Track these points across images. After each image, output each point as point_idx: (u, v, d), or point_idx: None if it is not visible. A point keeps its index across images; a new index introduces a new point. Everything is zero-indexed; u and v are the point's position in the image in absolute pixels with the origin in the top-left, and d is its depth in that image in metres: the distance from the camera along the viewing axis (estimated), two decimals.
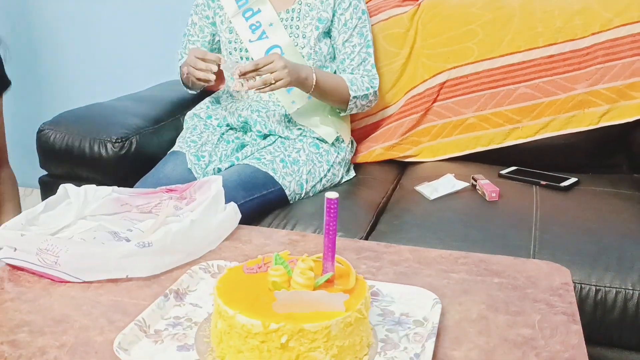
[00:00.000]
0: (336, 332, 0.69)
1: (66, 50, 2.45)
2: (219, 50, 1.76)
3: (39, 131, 1.64)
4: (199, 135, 1.61)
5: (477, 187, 1.51)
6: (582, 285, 1.22)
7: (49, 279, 0.94)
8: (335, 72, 1.66)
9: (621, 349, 1.25)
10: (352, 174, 1.69)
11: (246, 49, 1.62)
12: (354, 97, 1.59)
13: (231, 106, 1.65)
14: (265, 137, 1.61)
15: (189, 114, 1.71)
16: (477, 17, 1.73)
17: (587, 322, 0.92)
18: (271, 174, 1.47)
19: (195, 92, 1.78)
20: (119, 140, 1.57)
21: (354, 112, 1.66)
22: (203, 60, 1.45)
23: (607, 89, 1.65)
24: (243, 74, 1.42)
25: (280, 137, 1.60)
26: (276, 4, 1.62)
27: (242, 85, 1.44)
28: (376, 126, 1.81)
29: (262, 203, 1.43)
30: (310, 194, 1.54)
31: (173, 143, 1.66)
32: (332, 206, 0.77)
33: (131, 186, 1.39)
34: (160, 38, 2.30)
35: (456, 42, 1.74)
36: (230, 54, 1.65)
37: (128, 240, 1.03)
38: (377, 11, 1.80)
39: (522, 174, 1.63)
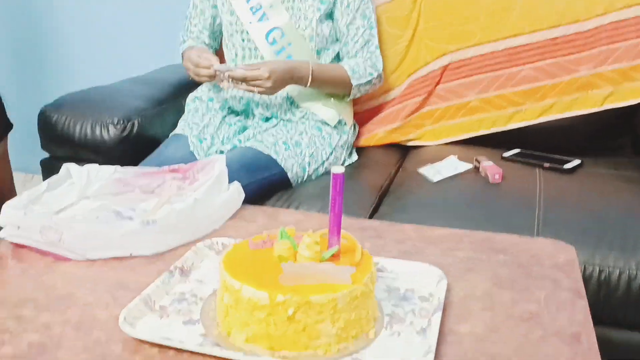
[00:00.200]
0: (343, 305, 0.69)
1: (68, 32, 2.44)
2: (220, 34, 1.75)
3: (41, 113, 1.63)
4: (200, 117, 1.60)
5: (480, 169, 1.50)
6: (586, 265, 1.22)
7: (52, 256, 0.94)
8: (338, 55, 1.65)
9: (625, 329, 1.25)
10: (355, 157, 1.68)
11: (247, 31, 1.61)
12: (357, 84, 1.59)
13: (232, 89, 1.64)
14: (267, 119, 1.60)
15: (191, 96, 1.70)
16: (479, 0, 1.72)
17: (591, 303, 0.92)
18: (274, 156, 1.46)
19: None
20: (121, 122, 1.57)
21: (358, 97, 1.65)
22: (199, 66, 1.46)
23: (611, 71, 1.64)
24: (232, 79, 1.43)
25: (282, 119, 1.59)
26: None
27: (230, 84, 1.45)
28: (379, 109, 1.80)
29: (264, 185, 1.43)
30: (313, 177, 1.53)
31: (175, 125, 1.65)
32: (337, 181, 0.76)
33: None
34: (162, 21, 2.28)
35: (459, 25, 1.73)
36: (232, 35, 1.64)
37: (131, 219, 1.03)
38: None
39: (525, 157, 1.62)
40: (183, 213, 0.97)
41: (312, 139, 1.55)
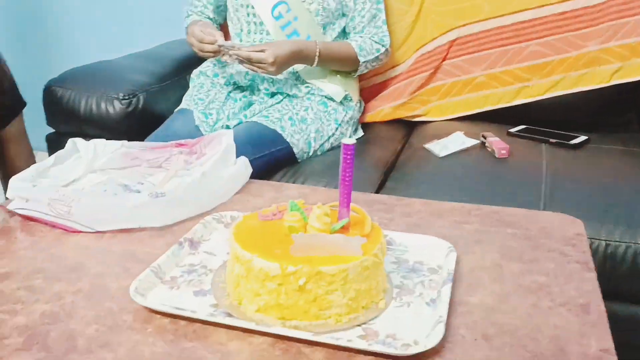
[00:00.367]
0: (353, 276, 0.70)
1: (72, 7, 2.42)
2: (225, 8, 1.73)
3: (46, 88, 1.63)
4: (206, 93, 1.59)
5: (487, 144, 1.50)
6: (592, 240, 1.22)
7: (61, 228, 0.94)
8: (344, 29, 1.63)
9: (630, 303, 1.25)
10: (360, 133, 1.68)
11: (252, 5, 1.59)
12: (364, 61, 1.58)
13: (237, 64, 1.63)
14: (272, 95, 1.59)
15: (195, 71, 1.69)
16: None
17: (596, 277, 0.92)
18: (279, 131, 1.46)
19: None
20: (126, 97, 1.56)
21: (364, 72, 1.65)
22: (203, 41, 1.47)
23: (620, 46, 1.62)
24: (236, 58, 1.42)
25: (288, 95, 1.58)
26: None
27: (234, 60, 1.45)
28: (385, 85, 1.79)
29: (270, 161, 1.42)
30: (318, 153, 1.53)
31: (179, 101, 1.64)
32: (348, 152, 0.76)
33: None
34: None
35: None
36: (237, 10, 1.62)
37: (139, 193, 1.03)
38: None
39: (531, 132, 1.62)
40: (191, 186, 0.97)
41: (317, 114, 1.54)
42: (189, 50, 1.79)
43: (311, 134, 1.51)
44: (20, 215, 0.98)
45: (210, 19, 1.74)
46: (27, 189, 0.98)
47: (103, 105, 1.56)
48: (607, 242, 1.22)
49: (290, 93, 1.58)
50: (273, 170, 1.43)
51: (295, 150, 1.47)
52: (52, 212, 0.94)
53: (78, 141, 1.17)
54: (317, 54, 1.50)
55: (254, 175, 1.16)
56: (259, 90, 1.60)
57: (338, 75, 1.62)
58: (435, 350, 0.66)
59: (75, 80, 1.63)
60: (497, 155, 1.46)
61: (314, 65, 1.52)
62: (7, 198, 1.01)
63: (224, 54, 1.46)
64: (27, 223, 0.97)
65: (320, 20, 1.58)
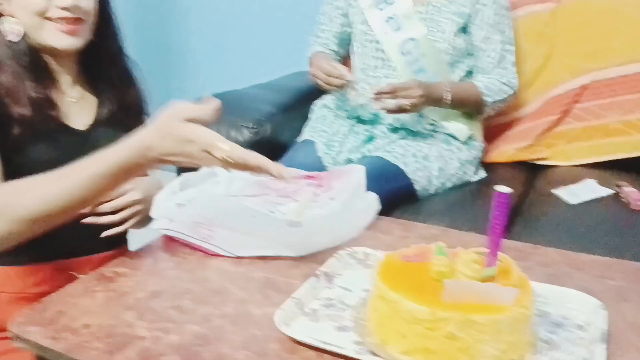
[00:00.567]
0: (505, 327, 0.67)
1: (199, 39, 2.56)
2: (349, 41, 1.77)
3: None
4: (328, 125, 1.63)
5: (621, 194, 1.42)
6: None
7: (201, 251, 0.98)
8: (472, 70, 1.62)
9: None
10: (483, 173, 1.64)
11: (379, 41, 1.62)
12: (491, 103, 1.56)
13: (361, 98, 1.65)
14: (395, 130, 1.60)
15: (318, 103, 1.74)
16: (624, 14, 1.63)
17: None
18: (402, 167, 1.46)
19: None
20: (255, 126, 1.62)
21: (490, 114, 1.62)
22: (331, 75, 1.50)
23: None
24: (378, 94, 1.43)
25: (411, 131, 1.58)
26: None
27: (357, 94, 1.46)
28: (509, 126, 1.75)
29: (391, 197, 1.42)
30: (439, 191, 1.52)
31: (300, 131, 1.69)
32: (502, 200, 0.74)
33: None
34: (290, 27, 2.33)
35: (601, 41, 1.65)
36: (363, 45, 1.65)
37: (276, 221, 1.06)
38: (516, 7, 1.74)
39: None
40: (328, 219, 0.99)
41: (440, 152, 1.53)
42: (309, 82, 1.85)
43: (433, 172, 1.50)
44: (163, 235, 1.03)
45: (334, 52, 1.79)
46: (171, 210, 1.03)
47: (232, 133, 1.63)
48: None
49: (414, 129, 1.58)
50: (393, 206, 1.43)
51: (416, 187, 1.47)
52: (195, 235, 0.99)
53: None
54: (446, 96, 1.49)
55: None
56: (381, 124, 1.61)
57: (463, 114, 1.61)
58: None
59: None
60: (632, 207, 1.38)
61: (446, 104, 1.51)
62: None
63: (350, 89, 1.49)
64: (170, 243, 1.02)
65: (449, 59, 1.57)
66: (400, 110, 1.44)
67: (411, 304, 0.69)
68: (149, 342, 0.73)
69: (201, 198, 1.07)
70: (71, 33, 1.00)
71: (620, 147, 1.64)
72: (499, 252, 0.77)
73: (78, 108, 1.09)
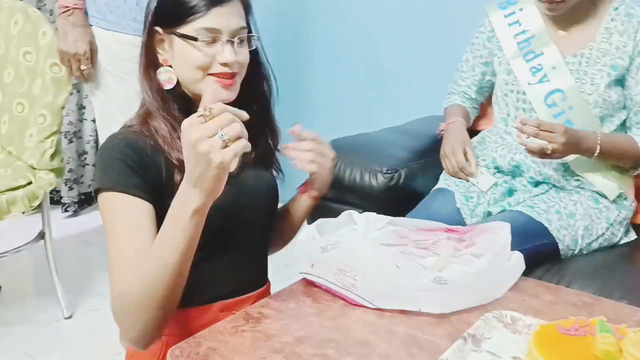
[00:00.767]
0: None
1: (329, 78, 2.61)
2: (488, 89, 1.74)
3: None
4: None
5: None
6: None
7: (342, 299, 0.99)
8: (623, 122, 1.52)
9: None
10: (633, 235, 1.52)
11: (524, 91, 1.57)
12: None
13: (501, 148, 1.60)
14: (537, 184, 1.53)
15: None
16: None
17: None
18: (545, 224, 1.39)
19: None
20: (389, 172, 1.63)
21: None
22: (463, 170, 1.54)
23: None
24: (523, 124, 1.38)
25: (555, 186, 1.51)
26: (563, 47, 1.54)
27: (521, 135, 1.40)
28: None
29: (532, 255, 1.35)
30: (584, 251, 1.42)
31: (436, 179, 1.66)
32: None
33: None
34: (427, 71, 2.32)
35: None
36: (506, 95, 1.61)
37: (417, 274, 1.04)
38: None
39: None
40: (476, 277, 0.96)
41: (587, 210, 1.45)
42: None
43: (579, 231, 1.41)
44: (304, 279, 1.05)
45: (472, 99, 1.76)
46: (315, 254, 1.04)
47: (367, 177, 1.64)
48: None
49: (558, 184, 1.50)
50: (534, 264, 1.36)
51: (560, 246, 1.39)
52: (338, 283, 0.99)
53: (354, 213, 1.23)
54: (598, 146, 1.41)
55: None
56: (522, 177, 1.55)
57: (612, 171, 1.51)
58: None
59: (341, 150, 1.73)
60: None
61: (594, 156, 1.43)
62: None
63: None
64: (310, 288, 1.03)
65: (599, 112, 1.49)
66: (541, 153, 1.37)
67: None
68: None
69: (345, 244, 1.08)
70: (228, 86, 1.04)
71: None
72: None
73: None
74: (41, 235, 2.07)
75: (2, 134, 2.09)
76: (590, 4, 1.52)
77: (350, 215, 1.23)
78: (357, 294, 0.97)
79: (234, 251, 1.08)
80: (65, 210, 2.87)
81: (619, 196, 1.49)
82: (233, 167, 0.86)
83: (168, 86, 1.05)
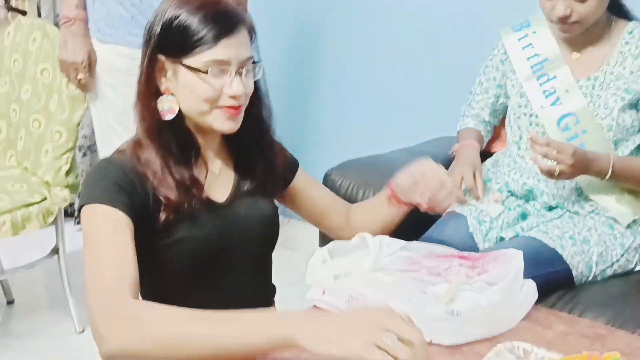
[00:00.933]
0: None
1: (347, 101, 2.60)
2: (502, 112, 1.74)
3: (326, 175, 1.77)
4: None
5: None
6: None
7: None
8: (638, 146, 1.51)
9: None
10: None
11: (536, 114, 1.56)
12: None
13: (514, 172, 1.60)
14: (551, 209, 1.52)
15: None
16: None
17: None
18: (559, 251, 1.38)
19: None
20: None
21: None
22: (472, 189, 1.52)
23: None
24: (533, 141, 1.38)
25: (568, 211, 1.50)
26: (576, 70, 1.54)
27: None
28: None
29: (545, 281, 1.33)
30: (598, 278, 1.41)
31: None
32: None
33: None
34: (438, 92, 2.31)
35: None
36: (519, 118, 1.61)
37: (428, 303, 1.04)
38: None
39: None
40: (488, 309, 0.95)
41: (601, 236, 1.43)
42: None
43: (593, 258, 1.40)
44: (314, 305, 1.05)
45: (486, 122, 1.76)
46: (327, 280, 1.05)
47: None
48: None
49: (572, 210, 1.49)
50: (547, 291, 1.35)
51: (574, 272, 1.38)
52: (349, 309, 0.99)
53: (367, 237, 1.22)
54: (610, 168, 1.40)
55: None
56: (535, 201, 1.54)
57: (627, 196, 1.49)
58: None
59: (354, 171, 1.75)
60: None
61: (606, 178, 1.42)
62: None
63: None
64: (319, 311, 1.03)
65: (612, 136, 1.48)
66: (549, 173, 1.36)
67: None
68: None
69: (358, 273, 1.08)
70: (235, 117, 1.02)
71: None
72: None
73: (219, 180, 1.08)
74: (55, 251, 2.09)
75: (18, 150, 2.12)
76: (604, 27, 1.51)
77: (363, 238, 1.22)
78: None
79: (225, 283, 1.06)
80: (79, 223, 2.90)
81: (634, 222, 1.48)
82: None
83: (169, 116, 1.01)
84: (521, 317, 1.04)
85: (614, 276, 1.42)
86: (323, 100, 2.67)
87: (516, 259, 1.09)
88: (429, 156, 1.88)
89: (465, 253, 1.18)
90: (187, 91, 1.00)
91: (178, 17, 0.98)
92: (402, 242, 1.21)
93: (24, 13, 2.73)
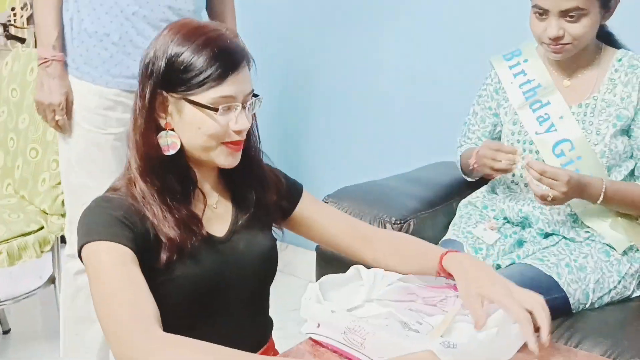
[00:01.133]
0: None
1: (344, 128, 2.59)
2: (499, 140, 1.74)
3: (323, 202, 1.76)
4: (474, 225, 1.58)
5: None
6: None
7: (349, 359, 0.98)
8: (632, 172, 1.52)
9: None
10: None
11: (531, 141, 1.57)
12: None
13: (509, 199, 1.60)
14: (546, 236, 1.52)
15: (464, 201, 1.70)
16: None
17: None
18: (555, 278, 1.38)
19: (473, 180, 1.76)
20: (398, 222, 1.62)
21: None
22: (500, 151, 1.46)
23: None
24: (529, 166, 1.38)
25: (564, 238, 1.50)
26: (568, 96, 1.55)
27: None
28: None
29: None
30: (596, 305, 1.41)
31: (445, 229, 1.66)
32: None
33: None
34: (434, 117, 2.31)
35: None
36: (513, 145, 1.61)
37: (417, 332, 1.04)
38: None
39: None
40: (485, 343, 0.95)
41: (598, 263, 1.43)
42: (456, 176, 1.82)
43: (590, 285, 1.40)
44: (310, 339, 1.04)
45: None
46: (323, 313, 1.04)
47: (375, 227, 1.63)
48: None
49: (567, 236, 1.49)
50: None
51: (571, 300, 1.38)
52: (346, 342, 0.99)
53: (361, 269, 1.22)
54: (603, 193, 1.41)
55: None
56: (531, 228, 1.54)
57: (621, 221, 1.50)
58: None
59: (351, 198, 1.75)
60: None
61: (598, 202, 1.42)
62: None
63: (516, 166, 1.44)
64: (317, 348, 1.02)
65: (605, 162, 1.49)
66: (542, 198, 1.37)
67: None
68: None
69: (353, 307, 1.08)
70: (235, 153, 1.01)
71: None
72: None
73: (217, 214, 1.07)
74: (51, 280, 2.09)
75: (15, 178, 2.12)
76: (594, 53, 1.53)
77: (357, 270, 1.22)
78: (365, 354, 0.96)
79: (222, 317, 1.04)
80: None
81: (630, 248, 1.48)
82: None
83: (171, 151, 0.99)
84: (517, 349, 1.03)
85: (611, 303, 1.41)
86: (319, 127, 2.67)
87: None
88: (426, 182, 1.90)
89: None
90: (193, 127, 0.98)
91: (182, 54, 0.97)
92: (398, 275, 1.21)
93: (22, 41, 2.76)
